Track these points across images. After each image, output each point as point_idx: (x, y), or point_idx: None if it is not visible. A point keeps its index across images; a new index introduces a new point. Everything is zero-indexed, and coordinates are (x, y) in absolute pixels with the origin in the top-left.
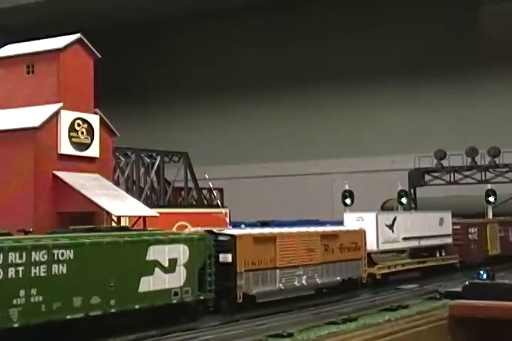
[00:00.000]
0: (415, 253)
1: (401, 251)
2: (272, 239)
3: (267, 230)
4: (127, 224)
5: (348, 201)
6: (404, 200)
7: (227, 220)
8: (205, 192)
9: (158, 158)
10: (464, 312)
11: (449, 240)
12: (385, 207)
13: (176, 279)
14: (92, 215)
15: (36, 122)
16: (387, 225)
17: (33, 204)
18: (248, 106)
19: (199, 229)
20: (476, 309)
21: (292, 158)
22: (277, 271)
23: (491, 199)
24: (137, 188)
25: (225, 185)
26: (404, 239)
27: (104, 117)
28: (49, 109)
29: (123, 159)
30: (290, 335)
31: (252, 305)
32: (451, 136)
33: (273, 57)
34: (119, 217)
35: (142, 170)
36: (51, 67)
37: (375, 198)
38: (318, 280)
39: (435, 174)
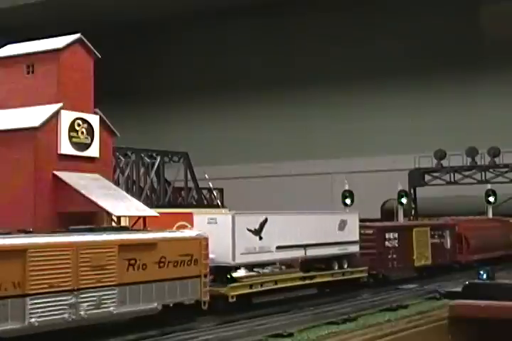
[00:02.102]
0: (310, 265)
1: (282, 263)
2: (17, 252)
3: (11, 240)
4: (127, 224)
5: (348, 201)
6: (404, 200)
7: None
8: (205, 192)
9: (158, 158)
10: (463, 312)
11: (355, 248)
12: (385, 207)
13: None
14: (92, 215)
15: (36, 122)
16: (251, 230)
17: (33, 204)
18: (248, 106)
19: None
20: (476, 309)
21: (292, 158)
22: (27, 300)
23: (491, 199)
24: (137, 188)
25: (225, 185)
26: (280, 248)
27: (104, 117)
28: (49, 109)
29: (123, 159)
30: (290, 335)
31: None
32: (451, 136)
33: (273, 57)
34: (119, 217)
35: (142, 170)
36: (51, 67)
37: (375, 198)
38: (114, 310)
39: (435, 174)
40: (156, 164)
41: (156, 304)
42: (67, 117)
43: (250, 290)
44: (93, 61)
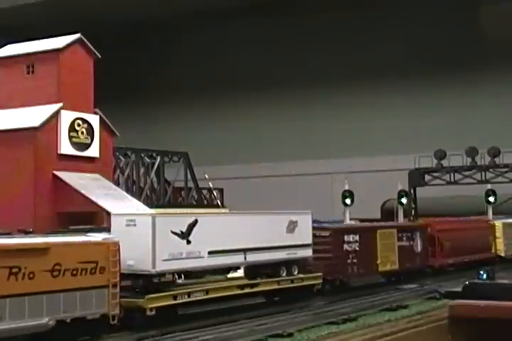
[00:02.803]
0: (256, 272)
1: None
2: None
3: None
4: None
5: (348, 201)
6: (404, 200)
7: None
8: (205, 192)
9: (158, 158)
10: (463, 312)
11: (307, 252)
12: (385, 207)
13: None
14: (92, 215)
15: (36, 122)
16: (177, 233)
17: (33, 204)
18: (248, 106)
19: None
20: (476, 309)
21: (292, 158)
22: None
23: (491, 199)
24: (137, 188)
25: (225, 185)
26: (213, 253)
27: (104, 117)
28: (49, 109)
29: (123, 159)
30: (290, 335)
31: None
32: (451, 136)
33: (273, 57)
34: None
35: (142, 170)
36: (51, 67)
37: (375, 198)
38: None
39: (435, 174)
40: (156, 164)
41: (46, 319)
42: (67, 117)
43: (174, 302)
44: (93, 61)
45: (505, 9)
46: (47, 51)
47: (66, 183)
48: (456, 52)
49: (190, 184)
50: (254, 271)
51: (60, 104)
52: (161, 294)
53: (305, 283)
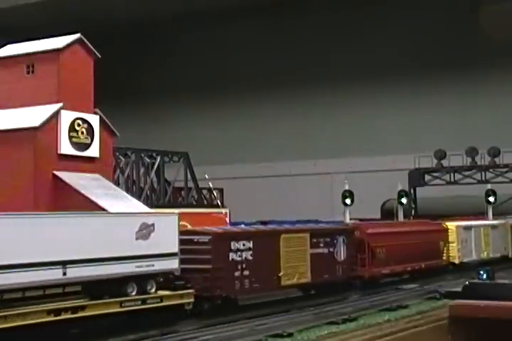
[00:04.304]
0: (97, 289)
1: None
2: None
3: None
4: None
5: (348, 201)
6: (404, 200)
7: (227, 220)
8: (205, 192)
9: (158, 158)
10: (463, 312)
11: (172, 264)
12: (385, 207)
13: None
14: None
15: (36, 122)
16: None
17: (33, 204)
18: (248, 106)
19: None
20: (476, 309)
21: (292, 158)
22: None
23: (491, 199)
24: (137, 188)
25: (225, 185)
26: (8, 267)
27: (104, 117)
28: (49, 109)
29: (123, 159)
30: (290, 335)
31: None
32: (451, 136)
33: (273, 57)
34: None
35: (142, 170)
36: (51, 67)
37: (375, 198)
38: None
39: (435, 174)
40: (156, 164)
41: None
42: (67, 117)
43: None
44: (93, 61)
45: (505, 9)
46: (47, 51)
47: (66, 183)
48: (456, 51)
49: (190, 184)
50: (94, 288)
51: (60, 104)
52: None
53: (166, 303)
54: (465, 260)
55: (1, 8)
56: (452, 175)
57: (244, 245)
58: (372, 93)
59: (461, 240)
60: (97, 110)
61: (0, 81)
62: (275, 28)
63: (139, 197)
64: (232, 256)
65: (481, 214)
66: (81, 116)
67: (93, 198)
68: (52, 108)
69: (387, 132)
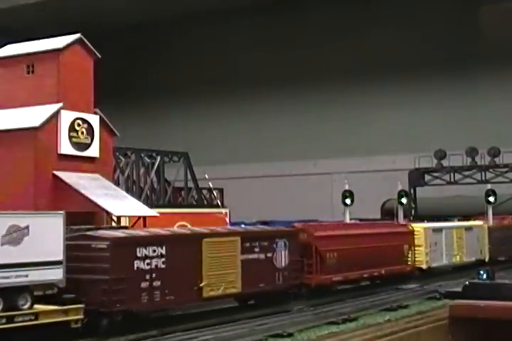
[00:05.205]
0: None
1: None
2: None
3: None
4: (127, 224)
5: (348, 201)
6: (404, 200)
7: (227, 220)
8: (205, 192)
9: (158, 158)
10: (464, 312)
11: (55, 274)
12: (385, 207)
13: None
14: (92, 215)
15: (36, 122)
16: None
17: (33, 204)
18: (248, 106)
19: None
20: (476, 309)
21: (292, 158)
22: None
23: (491, 199)
24: (137, 188)
25: (225, 185)
26: None
27: (104, 117)
28: (49, 109)
29: (123, 159)
30: (290, 335)
31: None
32: (451, 136)
33: (273, 57)
34: (119, 217)
35: (142, 170)
36: (51, 67)
37: (375, 198)
38: None
39: (435, 174)
40: (156, 164)
41: None
42: (67, 117)
43: None
44: (93, 61)
45: (506, 9)
46: (47, 51)
47: (66, 183)
48: (456, 51)
49: (190, 184)
50: None
51: (60, 104)
52: None
53: (43, 320)
54: (434, 265)
55: (1, 8)
56: (452, 175)
57: (154, 251)
58: (373, 93)
59: (430, 243)
60: (97, 110)
61: (0, 81)
62: (275, 28)
63: (138, 197)
64: (138, 264)
65: (482, 214)
66: (81, 116)
67: (93, 198)
68: (52, 108)
69: (387, 132)
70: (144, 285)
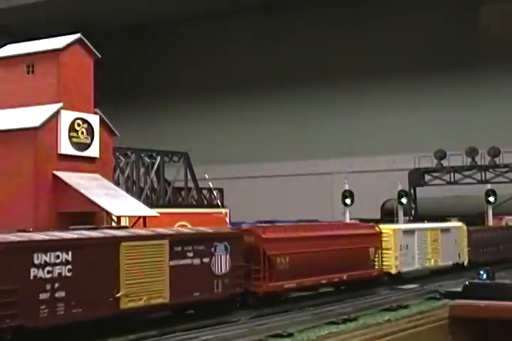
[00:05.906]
0: None
1: None
2: None
3: None
4: (127, 224)
5: (348, 201)
6: (404, 200)
7: (227, 220)
8: (205, 192)
9: (158, 158)
10: (463, 312)
11: None
12: (385, 207)
13: None
14: (92, 215)
15: (36, 122)
16: None
17: (33, 204)
18: (248, 106)
19: None
20: (476, 309)
21: (292, 158)
22: None
23: (491, 199)
24: (137, 188)
25: (225, 185)
26: None
27: (104, 117)
28: (49, 109)
29: (123, 159)
30: (290, 335)
31: None
32: (451, 136)
33: (272, 57)
34: (119, 217)
35: (142, 170)
36: (51, 67)
37: (375, 198)
38: None
39: (435, 174)
40: (156, 164)
41: None
42: (67, 117)
43: None
44: (93, 61)
45: (506, 9)
46: (47, 51)
47: (66, 183)
48: (456, 51)
49: (190, 184)
50: None
51: (60, 104)
52: None
53: None
54: (404, 269)
55: (1, 8)
56: (452, 175)
57: (58, 257)
58: (373, 93)
59: (400, 246)
60: (97, 110)
61: (0, 81)
62: (275, 29)
63: (138, 197)
64: (35, 272)
65: (482, 214)
66: (81, 116)
67: (93, 198)
68: (52, 108)
69: (387, 132)
70: (43, 296)
